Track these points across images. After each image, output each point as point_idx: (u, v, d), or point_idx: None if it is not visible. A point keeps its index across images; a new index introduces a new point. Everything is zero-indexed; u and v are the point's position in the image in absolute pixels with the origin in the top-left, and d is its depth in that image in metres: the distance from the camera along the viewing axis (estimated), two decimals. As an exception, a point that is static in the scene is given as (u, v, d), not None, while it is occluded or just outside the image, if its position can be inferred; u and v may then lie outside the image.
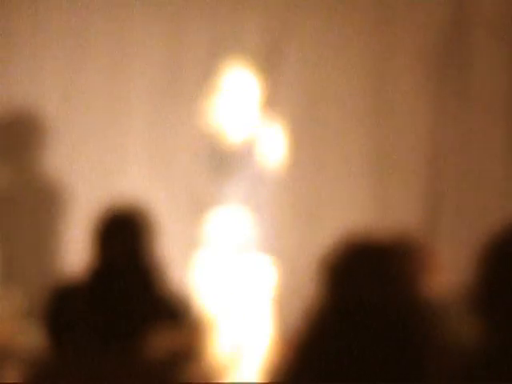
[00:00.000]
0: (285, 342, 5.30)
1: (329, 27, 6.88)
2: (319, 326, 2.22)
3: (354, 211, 6.73)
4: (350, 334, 2.05)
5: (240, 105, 5.88)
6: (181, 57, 6.96)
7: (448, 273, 4.86)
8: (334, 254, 2.83)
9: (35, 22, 6.84)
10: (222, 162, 5.82)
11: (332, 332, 2.07)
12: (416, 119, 6.79)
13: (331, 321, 2.44)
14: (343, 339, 2.05)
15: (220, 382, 4.46)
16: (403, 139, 6.81)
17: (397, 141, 6.82)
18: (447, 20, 6.68)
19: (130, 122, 6.96)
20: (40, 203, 6.88)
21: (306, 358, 2.15)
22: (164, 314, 3.07)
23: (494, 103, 6.59)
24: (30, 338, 4.31)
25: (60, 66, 6.90)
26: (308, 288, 2.80)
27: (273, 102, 6.74)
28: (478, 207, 6.51)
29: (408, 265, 4.02)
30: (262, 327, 5.80)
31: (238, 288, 5.86)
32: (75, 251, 6.30)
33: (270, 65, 6.84)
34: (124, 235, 4.14)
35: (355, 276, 2.79)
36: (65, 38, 6.87)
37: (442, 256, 5.37)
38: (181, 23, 6.95)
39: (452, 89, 6.72)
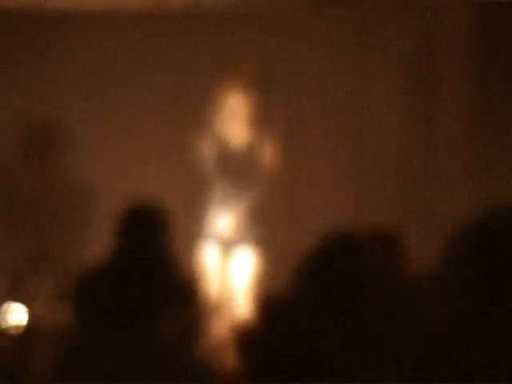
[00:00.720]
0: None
1: (314, 55, 6.88)
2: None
3: (334, 210, 6.71)
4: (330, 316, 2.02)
5: (239, 119, 5.87)
6: (189, 80, 6.96)
7: (417, 261, 4.82)
8: (316, 247, 2.81)
9: (66, 53, 6.83)
10: (223, 166, 5.80)
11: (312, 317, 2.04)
12: (389, 133, 6.79)
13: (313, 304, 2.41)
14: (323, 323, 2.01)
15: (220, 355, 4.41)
16: (377, 150, 6.81)
17: (372, 151, 6.82)
18: (417, 50, 6.68)
19: (147, 134, 6.96)
20: (70, 201, 6.86)
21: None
22: (177, 295, 3.05)
23: (457, 118, 6.60)
24: (61, 316, 4.29)
25: (88, 89, 6.90)
26: (293, 274, 2.80)
27: (266, 117, 6.75)
28: (442, 205, 6.51)
29: (382, 255, 4.01)
30: (253, 305, 5.78)
31: (235, 274, 5.84)
32: (100, 242, 6.28)
33: (263, 87, 6.83)
34: (141, 228, 4.13)
35: (334, 266, 2.77)
36: (93, 67, 6.87)
37: (411, 247, 5.33)
38: (188, 54, 6.95)
39: (420, 106, 6.72)
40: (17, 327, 4.81)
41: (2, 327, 4.76)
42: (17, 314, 4.85)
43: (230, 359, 4.89)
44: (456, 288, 2.14)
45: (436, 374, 2.12)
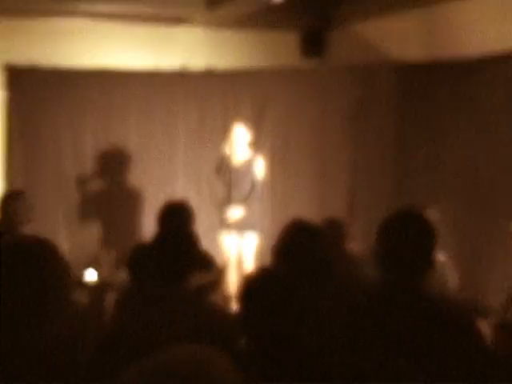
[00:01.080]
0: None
1: (292, 101, 6.89)
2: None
3: (305, 204, 6.74)
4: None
5: (241, 144, 5.85)
6: (206, 118, 6.97)
7: (361, 240, 4.82)
8: (281, 232, 2.82)
9: (126, 104, 6.84)
10: (231, 176, 5.78)
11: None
12: (340, 153, 6.78)
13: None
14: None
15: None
16: (333, 165, 6.80)
17: (330, 165, 6.81)
18: (357, 99, 6.68)
19: (177, 155, 6.96)
20: (128, 201, 6.87)
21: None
22: (200, 263, 3.04)
23: (383, 145, 6.57)
24: (121, 277, 4.29)
25: (139, 123, 6.90)
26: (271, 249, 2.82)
27: (260, 143, 6.77)
28: (377, 203, 6.50)
29: (336, 237, 3.98)
30: (254, 268, 5.74)
31: (241, 249, 5.82)
32: (147, 226, 6.30)
33: (257, 122, 6.85)
34: (175, 219, 4.14)
35: (293, 243, 2.75)
36: (143, 112, 6.87)
37: (357, 230, 5.33)
38: (206, 98, 6.95)
39: (360, 136, 6.72)
40: (91, 282, 4.81)
41: (84, 282, 4.76)
42: (91, 276, 4.85)
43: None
44: (383, 258, 2.15)
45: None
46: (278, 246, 2.77)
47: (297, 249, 2.72)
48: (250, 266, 5.74)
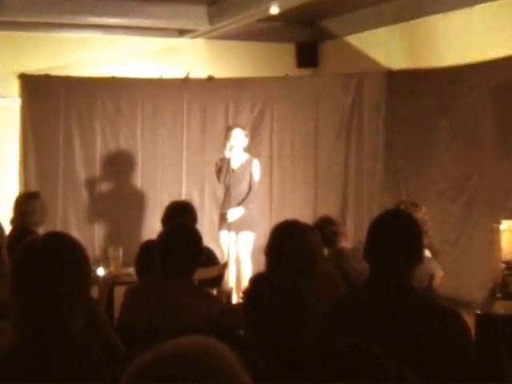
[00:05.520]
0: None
1: (287, 109, 6.89)
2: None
3: (302, 205, 6.74)
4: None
5: (240, 147, 5.82)
6: (208, 123, 6.97)
7: (352, 237, 4.82)
8: (272, 231, 2.81)
9: (133, 111, 6.84)
10: (230, 178, 5.73)
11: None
12: (335, 155, 6.78)
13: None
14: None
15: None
16: (327, 168, 6.80)
17: (325, 169, 6.80)
18: (350, 103, 6.70)
19: (181, 159, 6.94)
20: (134, 200, 6.87)
21: None
22: (203, 259, 3.03)
23: (374, 147, 6.59)
24: (129, 271, 4.29)
25: (144, 130, 6.90)
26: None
27: (258, 146, 6.77)
28: (367, 202, 6.51)
29: (329, 234, 3.98)
30: (248, 268, 5.73)
31: (239, 247, 5.77)
32: (152, 225, 6.28)
33: (255, 128, 6.85)
34: (179, 217, 4.14)
35: (280, 242, 2.73)
36: (149, 117, 6.87)
37: (349, 228, 5.33)
38: (208, 105, 6.95)
39: (352, 139, 6.73)
40: (102, 278, 4.72)
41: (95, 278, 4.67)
42: (101, 272, 4.79)
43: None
44: (370, 251, 2.14)
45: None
46: (267, 246, 2.79)
47: (282, 248, 2.72)
48: (247, 264, 5.70)
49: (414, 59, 6.22)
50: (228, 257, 5.52)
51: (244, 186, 5.76)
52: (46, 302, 1.45)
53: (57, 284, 1.47)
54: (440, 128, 5.98)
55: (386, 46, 6.52)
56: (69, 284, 1.48)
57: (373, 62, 6.60)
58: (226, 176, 5.71)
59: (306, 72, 7.21)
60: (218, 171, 5.80)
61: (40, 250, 1.50)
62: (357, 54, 6.74)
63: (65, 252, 1.50)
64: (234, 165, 5.77)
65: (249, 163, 5.81)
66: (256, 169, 5.83)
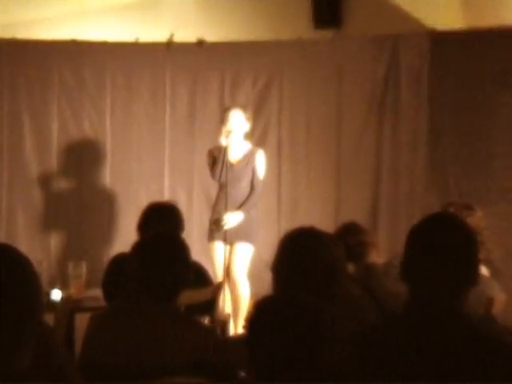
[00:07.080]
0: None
1: (301, 82, 6.89)
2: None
3: (319, 208, 6.73)
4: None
5: (239, 134, 5.82)
6: (198, 99, 6.97)
7: (385, 249, 4.85)
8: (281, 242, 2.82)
9: (100, 84, 6.85)
10: (227, 173, 5.72)
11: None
12: (363, 143, 6.77)
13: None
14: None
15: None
16: (354, 159, 6.78)
17: (350, 160, 6.79)
18: (382, 77, 6.68)
19: (163, 147, 6.96)
20: (101, 202, 6.89)
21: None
22: (191, 278, 3.03)
23: (414, 132, 6.58)
24: (94, 294, 4.31)
25: (115, 109, 6.91)
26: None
27: (262, 132, 6.77)
28: (405, 205, 6.51)
29: (355, 246, 4.02)
30: (246, 289, 5.72)
31: (234, 262, 5.76)
32: (125, 234, 6.30)
33: (260, 107, 6.85)
34: (160, 223, 4.15)
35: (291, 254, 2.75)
36: (121, 93, 6.89)
37: (381, 238, 5.37)
38: (197, 77, 6.96)
39: (386, 122, 6.72)
40: (58, 303, 4.74)
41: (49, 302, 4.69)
42: (58, 295, 4.80)
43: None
44: (408, 266, 2.15)
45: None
46: (275, 261, 2.79)
47: (295, 264, 2.72)
48: (244, 284, 5.70)
49: (467, 16, 6.17)
50: (224, 276, 5.53)
51: (245, 185, 5.77)
52: None
53: None
54: (503, 106, 5.98)
55: (432, 1, 6.48)
56: (9, 313, 1.47)
57: (413, 21, 6.56)
58: (221, 171, 5.72)
59: (325, 34, 7.19)
60: (212, 164, 5.80)
61: None
62: (391, 10, 6.70)
63: (3, 270, 1.49)
64: (232, 157, 5.78)
65: (251, 154, 5.82)
66: (260, 162, 5.84)
